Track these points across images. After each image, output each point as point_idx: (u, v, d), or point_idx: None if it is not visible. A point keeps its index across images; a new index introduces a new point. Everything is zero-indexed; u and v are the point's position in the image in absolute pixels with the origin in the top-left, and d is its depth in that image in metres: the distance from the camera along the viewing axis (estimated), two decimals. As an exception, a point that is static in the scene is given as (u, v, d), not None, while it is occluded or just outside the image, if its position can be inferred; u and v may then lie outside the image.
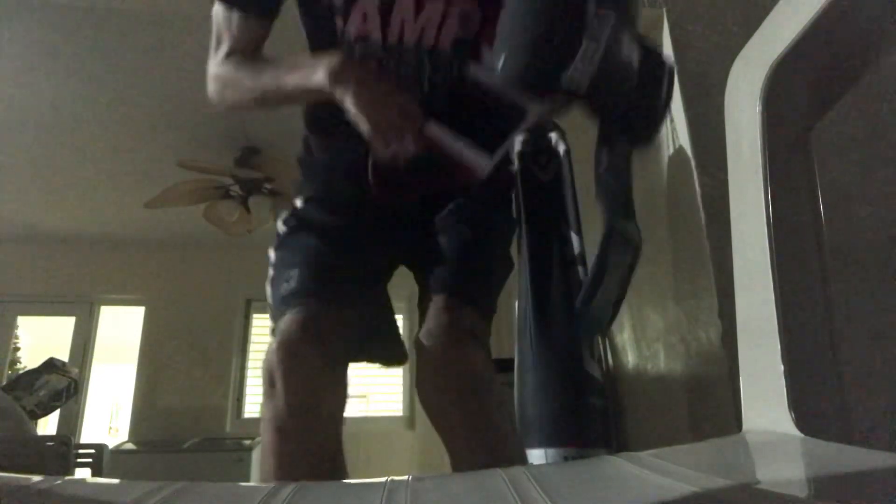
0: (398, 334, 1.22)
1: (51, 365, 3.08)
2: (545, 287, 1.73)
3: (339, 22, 1.05)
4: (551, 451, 1.58)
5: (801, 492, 0.59)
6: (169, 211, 3.52)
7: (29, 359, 5.02)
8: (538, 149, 1.88)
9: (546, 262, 1.76)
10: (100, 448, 2.82)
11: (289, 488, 0.58)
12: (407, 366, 5.41)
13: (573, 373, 1.64)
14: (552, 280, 1.73)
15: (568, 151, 1.86)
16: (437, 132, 0.92)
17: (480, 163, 0.91)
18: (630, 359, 2.28)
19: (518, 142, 1.89)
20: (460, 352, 0.97)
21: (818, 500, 0.53)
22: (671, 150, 1.94)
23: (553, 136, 1.89)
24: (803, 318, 0.78)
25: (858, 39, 0.78)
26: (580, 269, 1.75)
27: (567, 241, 1.77)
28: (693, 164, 1.80)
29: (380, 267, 1.17)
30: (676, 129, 1.90)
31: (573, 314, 1.70)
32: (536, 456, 1.59)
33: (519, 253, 1.83)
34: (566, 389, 1.63)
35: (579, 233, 1.79)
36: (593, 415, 1.63)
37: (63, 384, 3.08)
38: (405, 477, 0.62)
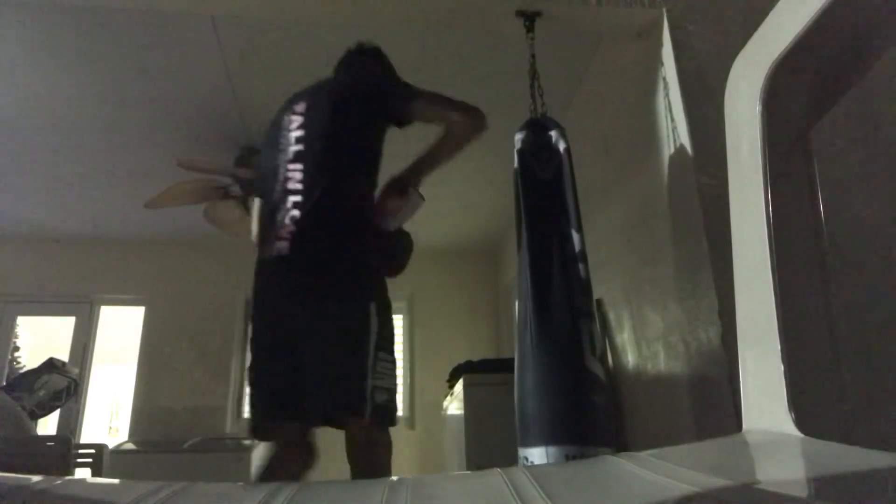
0: None
1: (51, 365, 3.08)
2: (545, 284, 1.72)
3: None
4: (552, 449, 1.56)
5: (801, 492, 0.59)
6: (169, 211, 3.51)
7: (29, 359, 5.01)
8: (538, 146, 1.87)
9: (546, 260, 1.75)
10: (100, 448, 2.82)
11: (289, 488, 0.58)
12: (407, 368, 5.37)
13: (574, 370, 1.62)
14: (552, 277, 1.72)
15: (568, 149, 1.85)
16: None
17: None
18: (630, 359, 2.28)
19: (518, 139, 1.89)
20: None
21: (818, 500, 0.53)
22: (671, 150, 1.93)
23: (553, 133, 1.88)
24: (803, 318, 0.78)
25: (858, 39, 0.78)
26: (580, 265, 1.74)
27: (567, 238, 1.76)
28: (693, 163, 1.80)
29: None
30: (677, 129, 1.90)
31: (574, 311, 1.69)
32: (537, 454, 1.57)
33: (519, 250, 1.83)
34: (567, 387, 1.61)
35: (580, 229, 1.78)
36: (595, 412, 1.60)
37: (63, 384, 3.08)
38: (405, 477, 0.62)
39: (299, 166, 1.46)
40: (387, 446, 1.45)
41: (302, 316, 1.41)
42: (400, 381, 4.87)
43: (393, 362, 1.47)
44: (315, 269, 1.42)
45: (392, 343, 1.49)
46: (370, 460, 1.41)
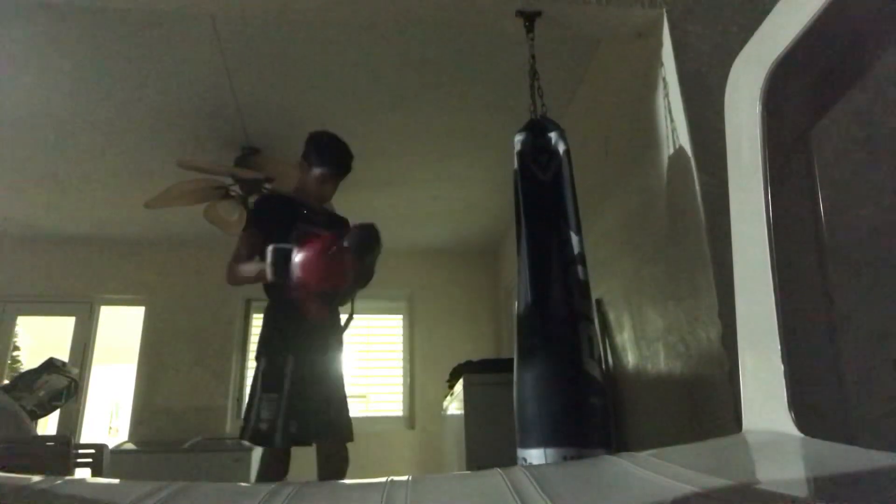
0: None
1: (51, 365, 3.07)
2: (544, 286, 1.72)
3: None
4: (550, 450, 1.57)
5: (801, 492, 0.59)
6: (169, 211, 3.51)
7: (29, 359, 5.01)
8: (538, 148, 1.87)
9: (545, 262, 1.75)
10: (100, 448, 2.81)
11: (289, 488, 0.58)
12: (407, 368, 5.38)
13: (572, 372, 1.63)
14: (551, 279, 1.73)
15: (568, 151, 1.85)
16: None
17: None
18: (630, 359, 2.28)
19: (518, 141, 1.89)
20: None
21: (818, 500, 0.53)
22: (671, 150, 1.93)
23: (553, 135, 1.88)
24: (803, 318, 0.78)
25: (858, 39, 0.78)
26: (580, 268, 1.74)
27: (566, 241, 1.76)
28: (693, 163, 1.80)
29: None
30: (676, 129, 1.90)
31: (573, 314, 1.69)
32: (535, 456, 1.58)
33: (518, 253, 1.83)
34: (565, 389, 1.62)
35: (579, 232, 1.78)
36: (593, 415, 1.61)
37: (63, 384, 3.08)
38: (405, 477, 0.62)
39: None
40: (267, 464, 2.12)
41: None
42: (400, 381, 4.88)
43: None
44: None
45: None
46: None
